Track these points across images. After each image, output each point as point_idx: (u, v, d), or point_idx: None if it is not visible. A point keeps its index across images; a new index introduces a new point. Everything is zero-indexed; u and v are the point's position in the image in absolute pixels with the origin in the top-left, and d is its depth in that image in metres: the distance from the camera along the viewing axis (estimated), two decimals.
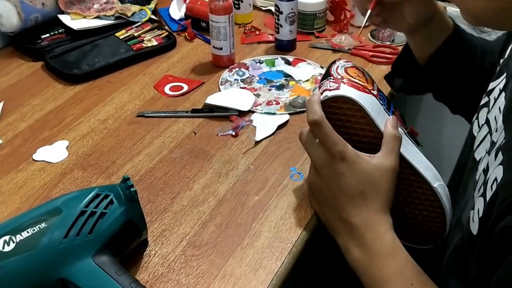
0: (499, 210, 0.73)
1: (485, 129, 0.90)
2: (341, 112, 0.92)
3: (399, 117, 0.99)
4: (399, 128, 0.94)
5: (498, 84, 0.92)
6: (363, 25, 1.05)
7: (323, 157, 0.91)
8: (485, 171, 0.83)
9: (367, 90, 0.93)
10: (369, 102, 0.92)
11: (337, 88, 0.91)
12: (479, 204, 0.80)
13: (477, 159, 0.89)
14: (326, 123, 0.89)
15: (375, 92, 0.95)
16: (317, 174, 0.94)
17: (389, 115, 0.95)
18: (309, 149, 0.94)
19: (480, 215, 0.79)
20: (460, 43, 1.10)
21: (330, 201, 0.93)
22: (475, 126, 0.96)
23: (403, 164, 0.93)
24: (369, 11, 1.02)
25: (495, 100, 0.90)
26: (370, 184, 0.89)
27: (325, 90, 0.92)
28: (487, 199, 0.78)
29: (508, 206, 0.71)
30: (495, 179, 0.77)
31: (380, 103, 0.95)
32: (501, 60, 0.98)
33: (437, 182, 0.95)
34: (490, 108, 0.91)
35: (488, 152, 0.84)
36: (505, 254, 0.69)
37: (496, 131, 0.85)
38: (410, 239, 0.98)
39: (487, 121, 0.90)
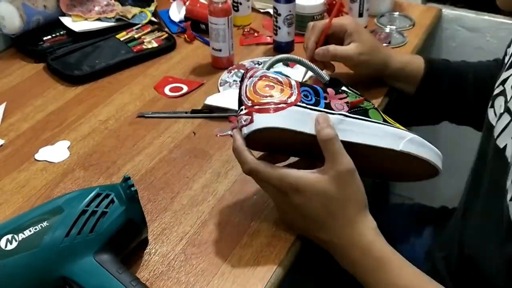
0: None
1: (506, 117, 0.89)
2: (268, 137, 0.87)
3: (335, 96, 0.92)
4: (336, 115, 0.88)
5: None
6: (301, 80, 1.07)
7: (277, 195, 0.89)
8: None
9: (282, 106, 0.86)
10: (288, 118, 0.85)
11: (251, 121, 0.85)
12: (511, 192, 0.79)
13: (501, 147, 0.88)
14: (261, 167, 0.86)
15: (293, 98, 0.87)
16: (281, 210, 0.93)
17: (320, 110, 0.88)
18: (263, 188, 0.92)
19: None
20: (438, 80, 1.16)
21: (305, 229, 0.91)
22: (491, 115, 0.96)
23: (358, 147, 0.89)
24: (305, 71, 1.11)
25: None
26: (334, 202, 0.85)
27: (242, 126, 0.87)
28: None
29: None
30: None
31: (303, 106, 0.87)
32: (509, 50, 1.00)
33: (401, 141, 0.90)
34: (508, 98, 0.91)
35: None
36: None
37: None
38: (414, 179, 0.98)
39: (508, 110, 0.90)
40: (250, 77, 0.89)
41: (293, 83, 0.90)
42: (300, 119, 0.86)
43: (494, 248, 0.88)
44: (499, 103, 0.94)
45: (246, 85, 0.88)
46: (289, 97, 0.87)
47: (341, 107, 0.90)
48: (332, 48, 1.22)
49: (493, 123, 0.94)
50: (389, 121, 0.93)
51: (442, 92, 1.22)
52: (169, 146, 1.17)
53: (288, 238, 0.95)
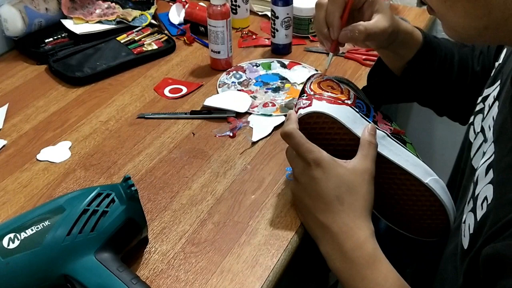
0: (487, 235, 0.72)
1: (480, 137, 0.89)
2: (318, 126, 0.93)
3: (382, 119, 1.00)
4: (381, 131, 0.95)
5: (492, 91, 0.91)
6: (327, 67, 1.04)
7: (300, 165, 0.92)
8: (475, 184, 0.82)
9: (339, 102, 0.94)
10: (342, 113, 0.93)
11: (309, 105, 0.92)
12: (470, 219, 0.79)
13: (475, 167, 0.87)
14: (298, 133, 0.90)
15: (350, 102, 0.95)
16: (297, 183, 0.95)
17: (369, 121, 0.95)
18: (290, 162, 0.96)
19: (471, 231, 0.77)
20: (432, 55, 1.08)
21: (310, 209, 0.92)
22: (471, 132, 0.95)
23: (390, 165, 0.94)
24: (331, 55, 1.01)
25: (490, 108, 0.89)
26: (345, 187, 0.89)
27: (299, 108, 0.94)
28: (478, 217, 0.76)
29: (494, 233, 0.70)
30: (485, 198, 0.76)
31: (356, 111, 0.95)
32: (496, 64, 0.96)
33: (429, 177, 0.94)
34: (485, 115, 0.90)
35: (481, 165, 0.83)
36: (494, 280, 0.68)
37: (487, 141, 0.84)
38: (417, 233, 0.99)
39: (482, 129, 0.89)
40: (318, 77, 1.00)
41: (351, 93, 0.98)
42: (351, 119, 0.93)
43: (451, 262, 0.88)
44: (478, 120, 0.93)
45: (312, 81, 0.98)
46: (346, 99, 0.95)
47: (386, 129, 0.98)
48: (363, 27, 0.97)
49: (472, 140, 0.93)
50: (420, 159, 0.98)
51: (433, 69, 1.10)
52: (169, 147, 1.17)
53: (285, 236, 0.95)
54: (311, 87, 0.96)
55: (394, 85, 1.11)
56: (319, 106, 0.92)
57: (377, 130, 0.95)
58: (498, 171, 0.76)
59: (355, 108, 0.95)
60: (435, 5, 0.78)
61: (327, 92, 0.95)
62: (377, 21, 0.98)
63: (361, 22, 0.97)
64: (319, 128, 0.93)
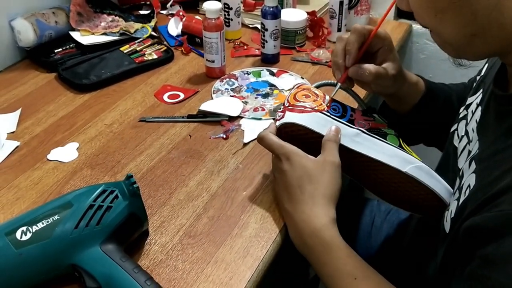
0: (466, 214, 0.72)
1: (464, 140, 0.89)
2: (294, 134, 0.95)
3: (361, 116, 0.99)
4: (355, 129, 0.95)
5: (475, 99, 0.92)
6: (332, 95, 0.99)
7: (275, 162, 0.96)
8: (461, 177, 0.82)
9: (309, 109, 0.95)
10: (310, 119, 0.94)
11: (282, 117, 0.96)
12: (453, 206, 0.79)
13: (460, 168, 0.86)
14: (269, 135, 0.95)
15: (322, 107, 0.96)
16: (274, 179, 0.99)
17: (342, 122, 0.95)
18: (272, 163, 1.00)
19: (452, 215, 0.78)
20: (435, 97, 1.09)
21: (280, 199, 0.95)
22: (455, 137, 0.94)
23: (366, 159, 0.93)
24: (338, 84, 0.99)
25: (473, 113, 0.89)
26: (307, 177, 0.90)
27: (276, 120, 0.98)
28: (460, 202, 0.77)
29: (473, 210, 0.70)
30: (469, 185, 0.76)
31: (327, 115, 0.96)
32: (478, 77, 0.98)
33: (409, 165, 0.91)
34: (469, 120, 0.90)
35: (466, 161, 0.84)
36: (472, 250, 0.68)
37: (472, 141, 0.85)
38: (422, 212, 0.96)
39: (466, 132, 0.89)
40: (297, 88, 1.01)
41: (327, 98, 0.99)
42: (319, 123, 0.95)
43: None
44: (462, 126, 0.93)
45: (291, 93, 1.00)
46: (318, 106, 0.97)
47: (363, 126, 0.97)
48: (373, 68, 0.96)
49: (456, 144, 0.92)
50: (405, 148, 0.95)
51: (437, 110, 1.10)
52: (168, 147, 1.17)
53: (274, 229, 0.96)
54: (288, 99, 0.99)
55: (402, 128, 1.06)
56: (290, 117, 0.95)
57: (350, 129, 0.95)
58: (480, 161, 0.77)
59: (325, 113, 0.96)
60: (428, 22, 0.78)
61: (300, 102, 0.97)
62: (387, 67, 0.98)
63: (372, 64, 0.97)
64: (296, 135, 0.95)
